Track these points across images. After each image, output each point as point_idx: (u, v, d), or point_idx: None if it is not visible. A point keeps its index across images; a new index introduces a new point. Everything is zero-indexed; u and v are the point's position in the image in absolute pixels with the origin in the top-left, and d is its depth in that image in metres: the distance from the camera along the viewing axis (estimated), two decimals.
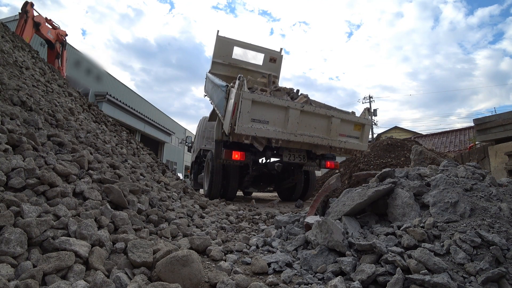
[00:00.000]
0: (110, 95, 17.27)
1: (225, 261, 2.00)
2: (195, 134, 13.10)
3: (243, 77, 5.19)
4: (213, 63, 9.38)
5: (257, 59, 9.97)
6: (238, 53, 9.61)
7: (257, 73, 9.94)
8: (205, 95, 8.89)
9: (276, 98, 5.66)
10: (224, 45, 9.22)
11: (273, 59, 9.87)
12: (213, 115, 8.63)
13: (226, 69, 9.57)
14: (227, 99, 5.56)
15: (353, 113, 6.71)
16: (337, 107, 6.95)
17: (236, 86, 5.13)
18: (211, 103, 7.85)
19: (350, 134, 6.26)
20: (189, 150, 15.18)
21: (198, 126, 12.58)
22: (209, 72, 9.31)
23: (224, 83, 6.10)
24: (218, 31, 9.09)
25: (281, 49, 10.08)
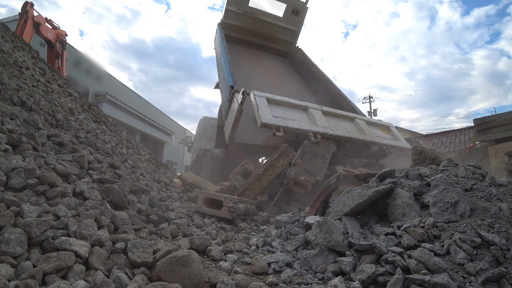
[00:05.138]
0: (110, 95, 17.27)
1: (225, 261, 2.00)
2: (195, 134, 13.06)
3: (247, 92, 4.77)
4: (226, 11, 8.26)
5: (278, 9, 8.69)
6: (255, 1, 8.34)
7: (276, 26, 8.81)
8: (214, 49, 8.04)
9: (290, 99, 5.25)
10: None
11: (296, 11, 8.64)
12: (218, 86, 7.91)
13: (240, 19, 8.46)
14: (230, 102, 5.28)
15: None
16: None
17: (239, 98, 4.72)
18: (217, 72, 7.22)
19: (384, 136, 5.91)
20: (189, 150, 15.20)
21: (198, 126, 12.57)
22: (220, 22, 8.25)
23: (231, 78, 5.59)
24: None
25: None
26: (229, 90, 5.40)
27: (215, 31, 8.30)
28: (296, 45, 9.54)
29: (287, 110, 5.04)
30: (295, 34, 9.28)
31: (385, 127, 6.24)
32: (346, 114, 5.83)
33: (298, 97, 6.77)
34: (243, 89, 4.78)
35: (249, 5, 8.38)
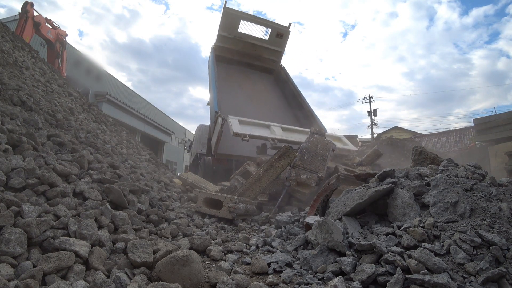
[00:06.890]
0: (110, 95, 17.25)
1: (225, 261, 2.00)
2: (192, 138, 13.23)
3: (225, 119, 5.90)
4: (219, 35, 9.49)
5: (264, 33, 10.00)
6: (244, 26, 9.60)
7: (262, 47, 10.08)
8: (208, 68, 9.10)
9: (256, 120, 6.52)
10: (230, 18, 9.29)
11: (280, 34, 9.95)
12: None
13: (231, 42, 9.71)
14: (215, 123, 6.36)
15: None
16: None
17: (220, 122, 5.92)
18: (209, 91, 8.29)
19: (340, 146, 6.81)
20: (188, 151, 15.29)
21: (195, 132, 12.81)
22: (214, 46, 9.45)
23: (216, 104, 6.72)
24: (225, 2, 9.16)
25: (289, 24, 10.01)
26: (214, 114, 6.53)
27: (209, 54, 9.46)
28: (280, 64, 10.67)
29: (253, 127, 6.19)
30: (279, 54, 10.51)
31: (337, 137, 7.31)
32: (302, 129, 6.90)
33: (277, 111, 8.63)
34: (222, 116, 6.04)
35: (238, 30, 9.64)
